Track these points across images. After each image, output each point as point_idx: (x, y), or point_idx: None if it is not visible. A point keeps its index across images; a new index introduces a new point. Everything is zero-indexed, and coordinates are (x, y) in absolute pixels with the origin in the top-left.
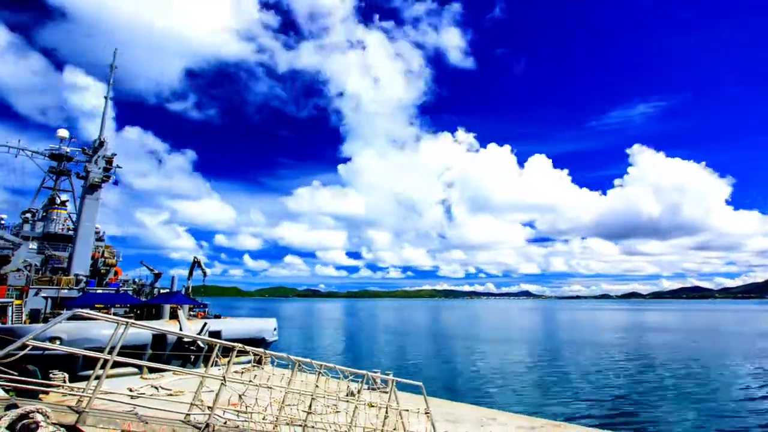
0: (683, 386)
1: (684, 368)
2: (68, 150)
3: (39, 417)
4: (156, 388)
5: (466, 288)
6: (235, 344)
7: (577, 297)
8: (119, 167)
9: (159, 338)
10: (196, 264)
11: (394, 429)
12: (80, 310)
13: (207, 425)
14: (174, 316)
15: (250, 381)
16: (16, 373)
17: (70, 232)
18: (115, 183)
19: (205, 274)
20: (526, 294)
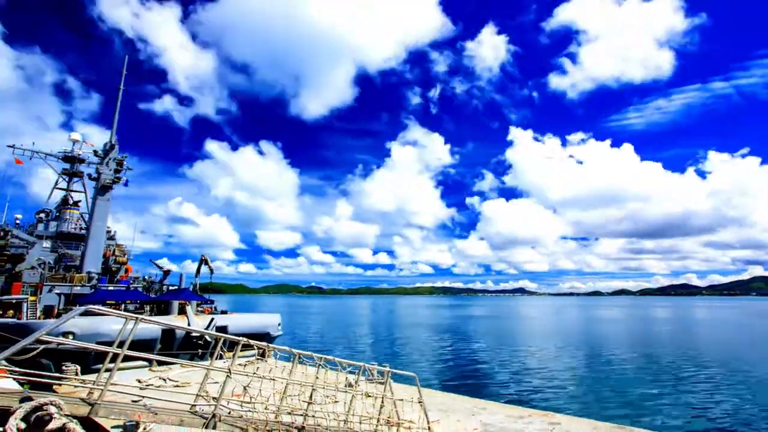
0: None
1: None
2: (80, 152)
3: (52, 409)
4: (164, 380)
5: (465, 285)
6: (240, 338)
7: (571, 294)
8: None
9: (168, 333)
10: (203, 262)
11: (389, 417)
12: (92, 306)
13: (213, 415)
14: (182, 312)
15: (254, 373)
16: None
17: (83, 232)
18: (125, 184)
19: (212, 271)
20: (521, 291)
